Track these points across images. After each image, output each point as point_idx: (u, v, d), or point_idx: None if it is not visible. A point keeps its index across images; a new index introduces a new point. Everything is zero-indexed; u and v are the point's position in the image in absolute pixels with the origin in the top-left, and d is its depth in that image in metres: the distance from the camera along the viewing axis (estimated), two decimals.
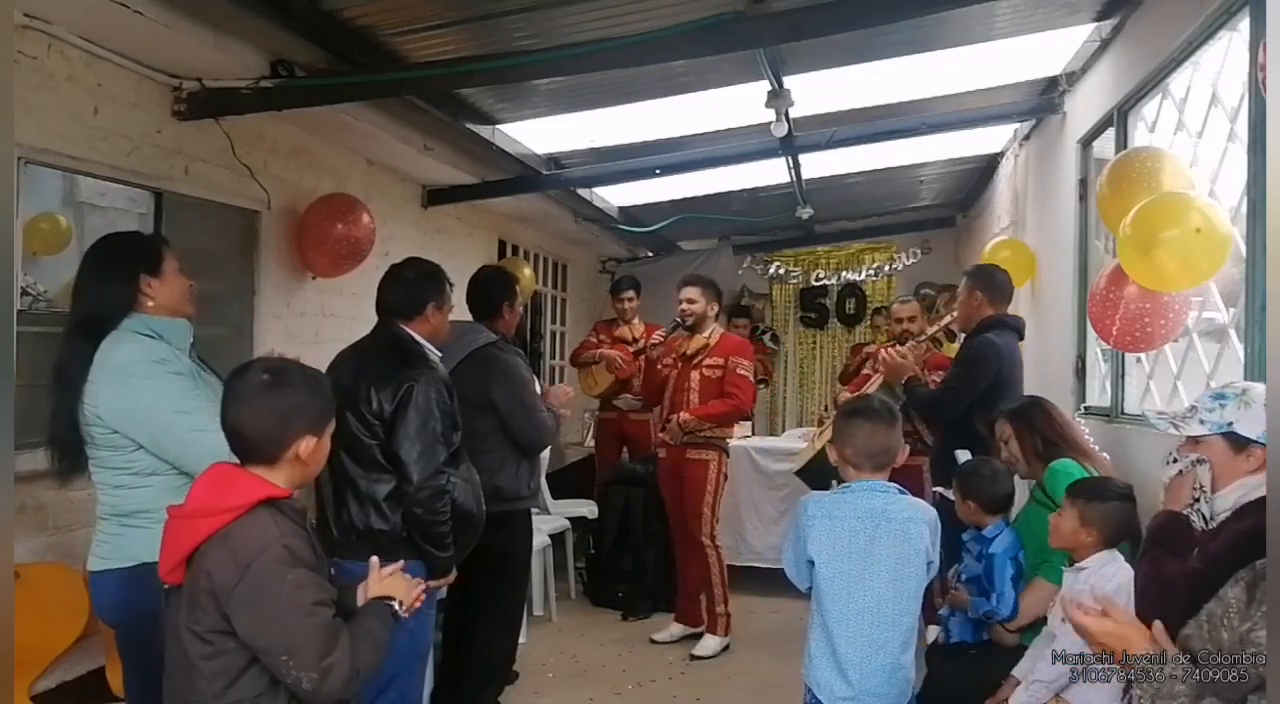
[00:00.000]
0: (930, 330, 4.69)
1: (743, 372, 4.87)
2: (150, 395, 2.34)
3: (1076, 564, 2.58)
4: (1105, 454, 3.24)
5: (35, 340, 3.25)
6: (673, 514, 5.09)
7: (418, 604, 2.05)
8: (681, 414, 4.81)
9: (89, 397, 2.35)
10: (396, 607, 1.98)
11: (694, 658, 4.80)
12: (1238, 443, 2.06)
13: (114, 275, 2.45)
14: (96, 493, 2.46)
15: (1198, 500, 2.15)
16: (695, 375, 4.90)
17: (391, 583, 2.02)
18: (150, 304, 2.46)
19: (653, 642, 5.04)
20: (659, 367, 5.11)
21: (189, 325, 2.56)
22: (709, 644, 4.88)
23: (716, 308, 5.09)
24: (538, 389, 3.92)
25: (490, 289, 3.76)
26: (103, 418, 2.35)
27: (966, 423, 3.82)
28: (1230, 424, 2.08)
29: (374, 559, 2.06)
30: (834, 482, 2.69)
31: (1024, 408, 3.33)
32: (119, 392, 2.34)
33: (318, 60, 3.72)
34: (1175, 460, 2.21)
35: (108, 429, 2.36)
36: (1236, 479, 2.08)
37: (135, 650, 2.41)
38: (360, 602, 1.99)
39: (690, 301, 4.93)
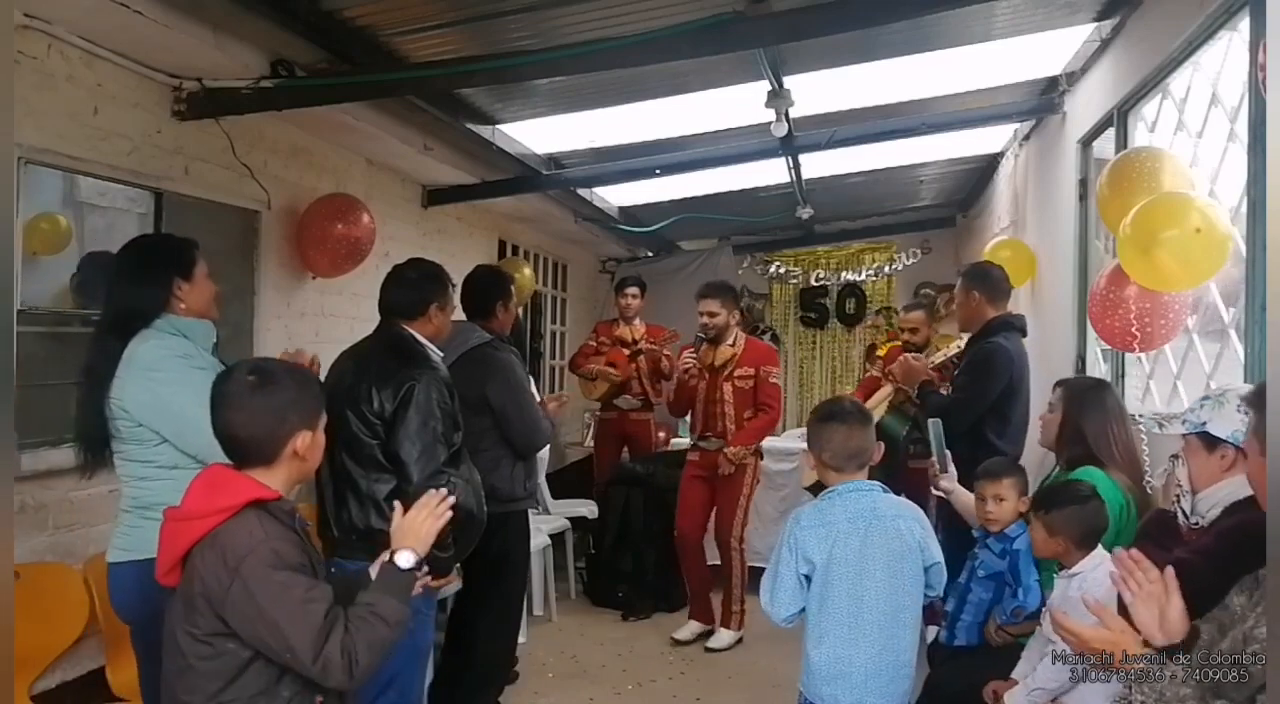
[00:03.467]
0: (936, 359, 4.61)
1: (774, 380, 4.98)
2: (174, 388, 2.41)
3: (1068, 570, 2.58)
4: (1150, 480, 2.95)
5: (35, 340, 3.26)
6: (687, 516, 5.07)
7: (439, 527, 2.01)
8: (729, 451, 4.86)
9: (116, 391, 2.43)
10: (401, 560, 1.93)
11: (709, 650, 4.87)
12: (1209, 442, 2.11)
13: (148, 277, 2.55)
14: (121, 486, 2.52)
15: (1179, 498, 2.20)
16: (728, 387, 4.93)
17: (404, 530, 1.98)
18: (182, 306, 2.57)
19: (674, 641, 5.02)
20: (687, 379, 5.10)
21: (212, 327, 2.65)
22: (723, 638, 4.94)
23: (738, 314, 5.11)
24: (534, 390, 3.93)
25: (484, 288, 3.76)
26: (128, 411, 2.43)
27: (973, 430, 3.78)
28: (1204, 424, 2.14)
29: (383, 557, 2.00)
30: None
31: (1085, 390, 3.11)
32: (144, 386, 2.42)
33: (318, 60, 3.72)
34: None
35: (133, 422, 2.43)
36: (1213, 479, 2.13)
37: (152, 646, 2.40)
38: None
39: (711, 314, 4.92)
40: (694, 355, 5.01)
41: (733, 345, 4.96)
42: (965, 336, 4.28)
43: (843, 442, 2.53)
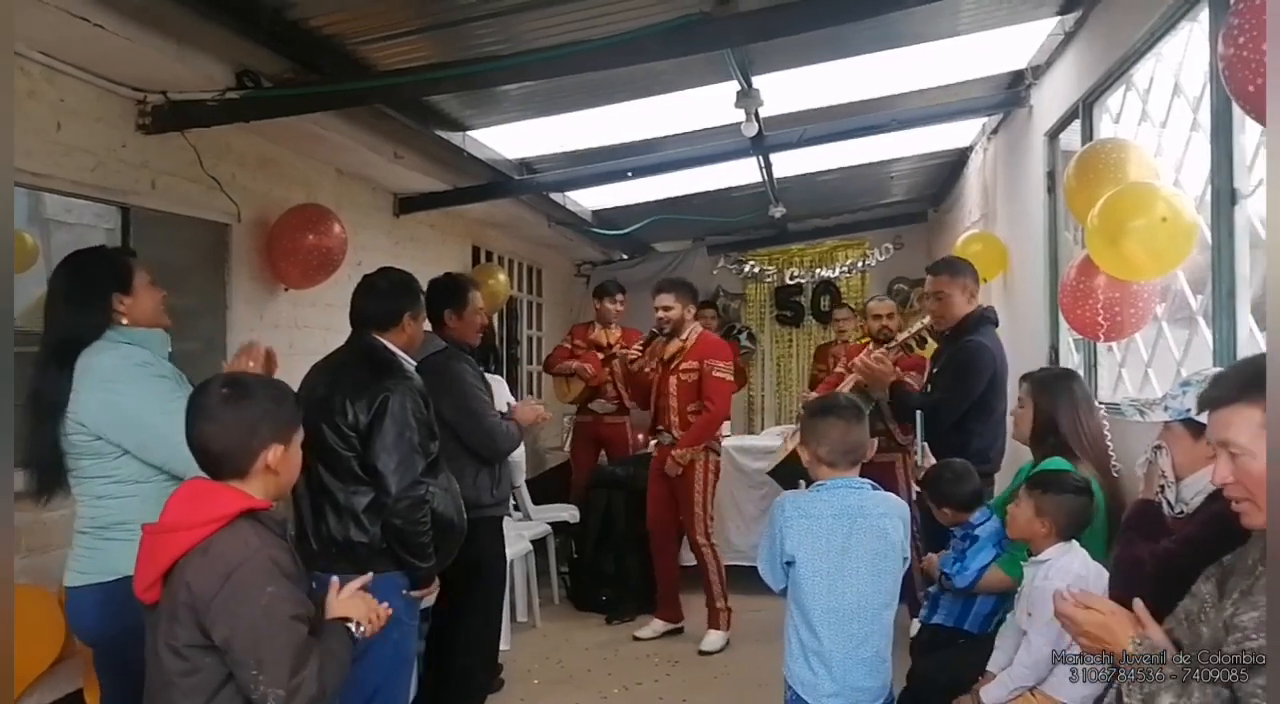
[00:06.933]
0: (901, 336, 4.63)
1: (718, 374, 4.92)
2: (135, 398, 2.35)
3: (1035, 557, 2.61)
4: (1118, 464, 2.97)
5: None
6: (653, 511, 5.12)
7: (376, 627, 2.02)
8: (675, 453, 4.87)
9: (71, 405, 2.35)
10: (353, 629, 1.96)
11: (702, 653, 4.85)
12: (1195, 429, 2.09)
13: (86, 297, 2.45)
14: (76, 507, 2.44)
15: (1164, 488, 2.20)
16: (673, 381, 4.94)
17: (350, 604, 2.00)
18: (125, 321, 2.47)
19: (635, 639, 5.08)
20: (646, 372, 5.13)
21: (166, 335, 2.58)
22: (713, 639, 4.94)
23: (694, 309, 5.11)
24: (502, 396, 3.91)
25: (432, 298, 3.72)
26: (86, 425, 2.34)
27: (956, 422, 3.81)
28: (1188, 410, 2.12)
29: (334, 579, 2.05)
30: (801, 481, 2.70)
31: (1052, 380, 3.15)
32: (103, 397, 2.34)
33: (284, 70, 3.69)
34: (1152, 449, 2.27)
35: (91, 436, 2.35)
36: (1197, 465, 2.11)
37: (115, 669, 2.38)
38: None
39: (666, 308, 4.95)
40: (639, 348, 5.04)
41: (684, 339, 4.97)
42: (928, 317, 4.29)
43: (840, 437, 2.55)
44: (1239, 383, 1.61)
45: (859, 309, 7.15)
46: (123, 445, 2.36)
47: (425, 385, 3.14)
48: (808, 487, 2.67)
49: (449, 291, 3.79)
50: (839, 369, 5.41)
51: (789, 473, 4.52)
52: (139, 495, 2.36)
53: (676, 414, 4.93)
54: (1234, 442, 1.59)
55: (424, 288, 3.20)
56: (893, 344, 4.52)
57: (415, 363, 3.09)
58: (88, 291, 2.45)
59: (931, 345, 4.73)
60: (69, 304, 2.45)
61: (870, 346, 4.75)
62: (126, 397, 2.35)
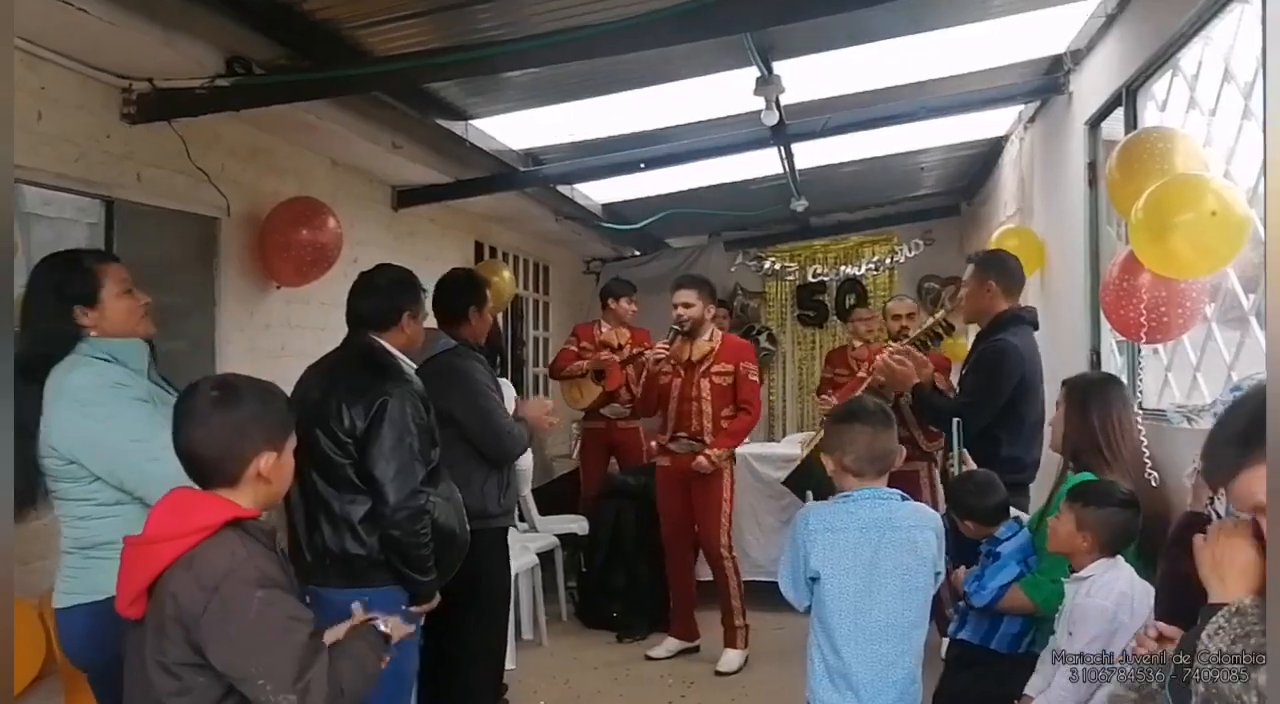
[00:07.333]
0: (912, 334, 4.58)
1: (753, 378, 5.01)
2: (105, 424, 2.34)
3: (1077, 573, 2.59)
4: (1153, 473, 2.96)
5: None
6: (670, 525, 5.11)
7: (403, 635, 2.05)
8: (710, 452, 4.83)
9: (43, 428, 2.34)
10: (383, 627, 1.99)
11: (719, 674, 4.84)
12: None
13: (47, 313, 2.43)
14: (60, 526, 2.44)
15: (1213, 499, 2.18)
16: (705, 383, 4.94)
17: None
18: (94, 333, 2.44)
19: (648, 658, 5.07)
20: (659, 375, 5.12)
21: (143, 345, 2.54)
22: (731, 659, 4.93)
23: (714, 308, 5.11)
24: (510, 397, 3.91)
25: (454, 293, 3.75)
26: (57, 448, 2.34)
27: (984, 431, 3.77)
28: None
29: (356, 605, 2.07)
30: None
31: (1089, 386, 3.16)
32: (74, 420, 2.34)
33: (276, 56, 3.70)
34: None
35: (64, 460, 2.35)
36: None
37: (113, 692, 2.37)
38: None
39: (687, 305, 4.94)
40: (666, 347, 5.02)
41: (710, 340, 4.99)
42: (944, 311, 4.26)
43: (867, 444, 2.52)
44: (1238, 448, 1.57)
45: (879, 308, 7.10)
46: (93, 471, 2.36)
47: (431, 385, 3.15)
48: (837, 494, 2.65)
49: (473, 287, 3.81)
50: (860, 373, 5.39)
51: (805, 482, 4.52)
52: (121, 516, 2.35)
53: (710, 419, 4.92)
54: (1266, 505, 1.55)
55: (424, 286, 3.19)
56: (905, 341, 4.50)
57: (416, 365, 3.09)
58: (51, 305, 2.42)
59: (949, 342, 4.69)
60: (34, 317, 2.43)
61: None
62: (99, 422, 2.34)
